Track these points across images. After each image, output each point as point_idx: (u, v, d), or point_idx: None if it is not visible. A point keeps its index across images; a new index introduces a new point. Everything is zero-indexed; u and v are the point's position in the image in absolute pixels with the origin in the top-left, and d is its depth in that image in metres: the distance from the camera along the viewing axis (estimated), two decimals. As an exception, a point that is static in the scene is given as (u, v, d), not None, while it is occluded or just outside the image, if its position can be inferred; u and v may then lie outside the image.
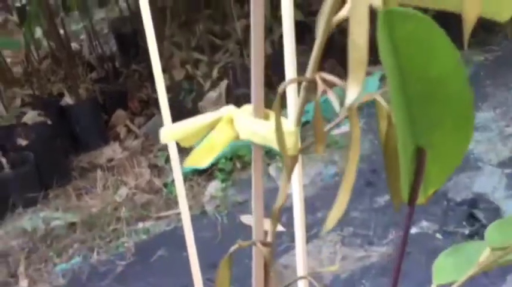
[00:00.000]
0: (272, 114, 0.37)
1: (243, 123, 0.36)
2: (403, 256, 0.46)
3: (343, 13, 0.33)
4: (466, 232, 1.77)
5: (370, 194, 2.09)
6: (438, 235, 1.79)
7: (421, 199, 0.44)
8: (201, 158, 0.37)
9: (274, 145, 0.33)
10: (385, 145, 0.38)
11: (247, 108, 0.37)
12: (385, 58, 0.32)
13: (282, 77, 0.52)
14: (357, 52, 0.29)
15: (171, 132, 0.40)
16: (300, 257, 0.63)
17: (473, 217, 1.82)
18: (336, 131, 2.51)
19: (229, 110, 0.38)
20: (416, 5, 0.34)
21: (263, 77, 0.38)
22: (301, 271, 0.65)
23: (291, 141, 0.34)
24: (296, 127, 0.35)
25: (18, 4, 3.22)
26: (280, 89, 0.33)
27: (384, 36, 0.31)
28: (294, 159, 0.35)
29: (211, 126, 0.38)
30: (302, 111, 0.36)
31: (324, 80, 0.34)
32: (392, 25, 0.31)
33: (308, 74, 0.34)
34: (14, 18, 2.76)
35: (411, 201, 0.43)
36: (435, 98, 0.34)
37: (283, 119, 0.34)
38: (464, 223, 1.82)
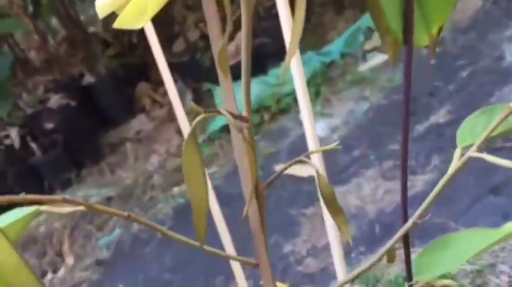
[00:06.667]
0: None
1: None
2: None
3: None
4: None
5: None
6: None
7: (424, 40, 0.36)
8: (132, 18, 0.31)
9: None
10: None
11: None
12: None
13: None
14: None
15: (107, 3, 0.33)
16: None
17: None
18: (362, 67, 2.41)
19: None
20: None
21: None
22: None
23: None
24: None
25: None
26: None
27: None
28: None
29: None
30: None
31: None
32: None
33: None
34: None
35: (407, 40, 0.35)
36: None
37: None
38: None
